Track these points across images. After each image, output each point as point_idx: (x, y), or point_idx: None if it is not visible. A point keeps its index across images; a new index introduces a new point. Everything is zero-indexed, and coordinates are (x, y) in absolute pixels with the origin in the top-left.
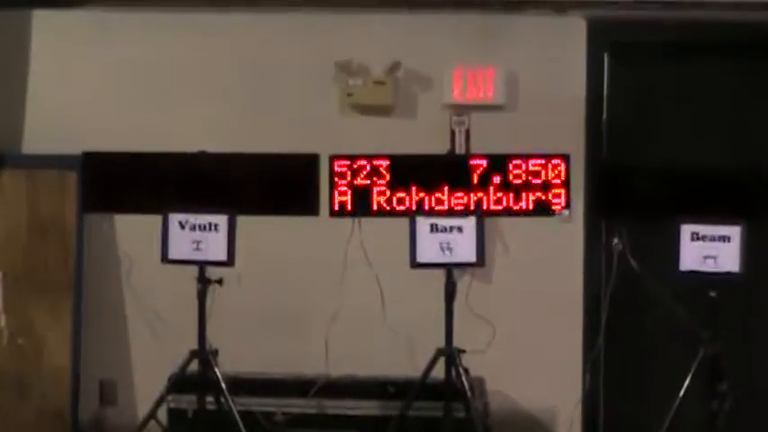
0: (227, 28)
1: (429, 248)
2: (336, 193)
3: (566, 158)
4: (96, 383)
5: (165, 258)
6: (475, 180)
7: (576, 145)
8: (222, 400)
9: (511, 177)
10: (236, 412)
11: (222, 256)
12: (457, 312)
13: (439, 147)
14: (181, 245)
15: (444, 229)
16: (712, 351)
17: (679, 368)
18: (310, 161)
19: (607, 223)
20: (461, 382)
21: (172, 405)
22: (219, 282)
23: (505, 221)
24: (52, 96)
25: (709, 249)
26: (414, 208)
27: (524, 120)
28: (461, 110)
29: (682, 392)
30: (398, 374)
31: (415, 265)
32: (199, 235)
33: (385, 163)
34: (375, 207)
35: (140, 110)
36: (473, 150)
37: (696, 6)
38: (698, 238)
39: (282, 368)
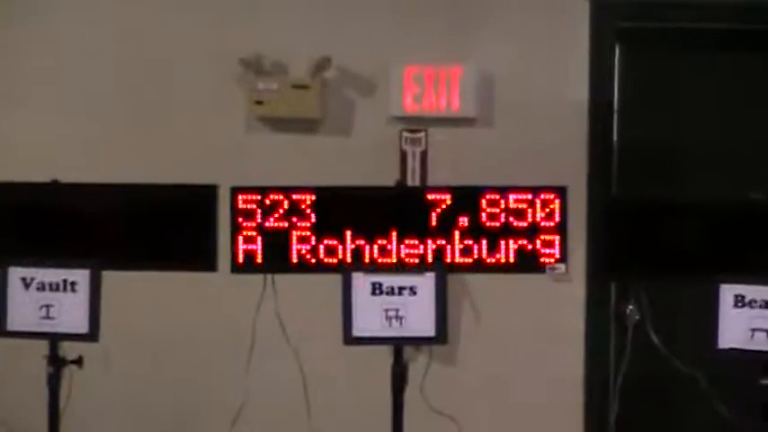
0: (87, 12)
1: (370, 318)
2: (241, 239)
3: (561, 192)
4: None
5: (0, 330)
6: (434, 222)
7: (575, 174)
8: None
9: (484, 218)
10: None
11: (82, 327)
12: (408, 407)
13: (384, 176)
14: (24, 311)
15: (391, 291)
16: None
17: None
18: (205, 195)
19: (618, 283)
20: None
21: None
22: (78, 362)
23: (477, 280)
24: None
25: (759, 320)
26: (349, 261)
27: (503, 139)
28: (416, 124)
29: None
30: None
31: (351, 340)
32: (49, 297)
33: (309, 198)
34: (295, 259)
35: None
36: (432, 181)
37: None
38: (744, 304)
39: None
